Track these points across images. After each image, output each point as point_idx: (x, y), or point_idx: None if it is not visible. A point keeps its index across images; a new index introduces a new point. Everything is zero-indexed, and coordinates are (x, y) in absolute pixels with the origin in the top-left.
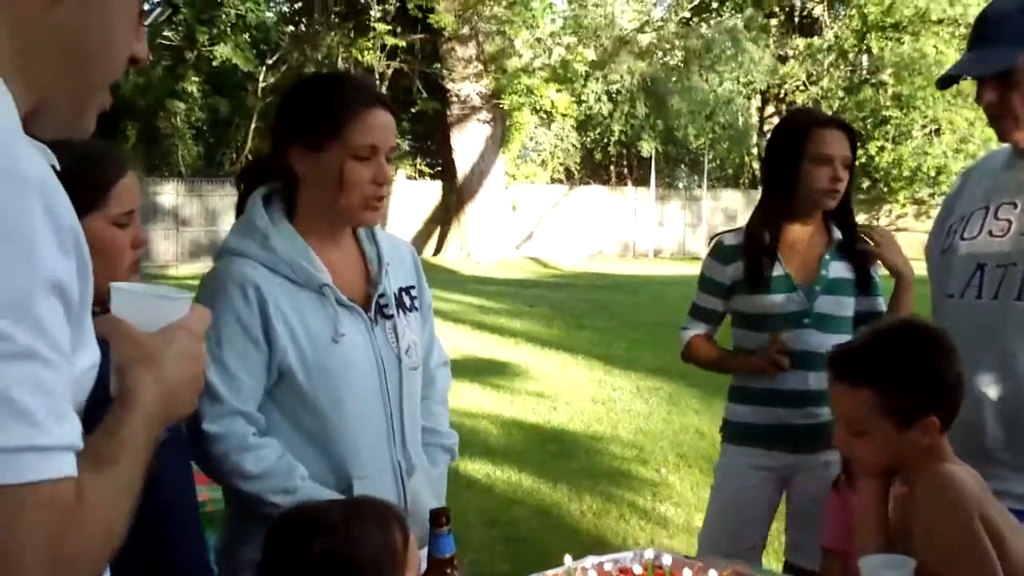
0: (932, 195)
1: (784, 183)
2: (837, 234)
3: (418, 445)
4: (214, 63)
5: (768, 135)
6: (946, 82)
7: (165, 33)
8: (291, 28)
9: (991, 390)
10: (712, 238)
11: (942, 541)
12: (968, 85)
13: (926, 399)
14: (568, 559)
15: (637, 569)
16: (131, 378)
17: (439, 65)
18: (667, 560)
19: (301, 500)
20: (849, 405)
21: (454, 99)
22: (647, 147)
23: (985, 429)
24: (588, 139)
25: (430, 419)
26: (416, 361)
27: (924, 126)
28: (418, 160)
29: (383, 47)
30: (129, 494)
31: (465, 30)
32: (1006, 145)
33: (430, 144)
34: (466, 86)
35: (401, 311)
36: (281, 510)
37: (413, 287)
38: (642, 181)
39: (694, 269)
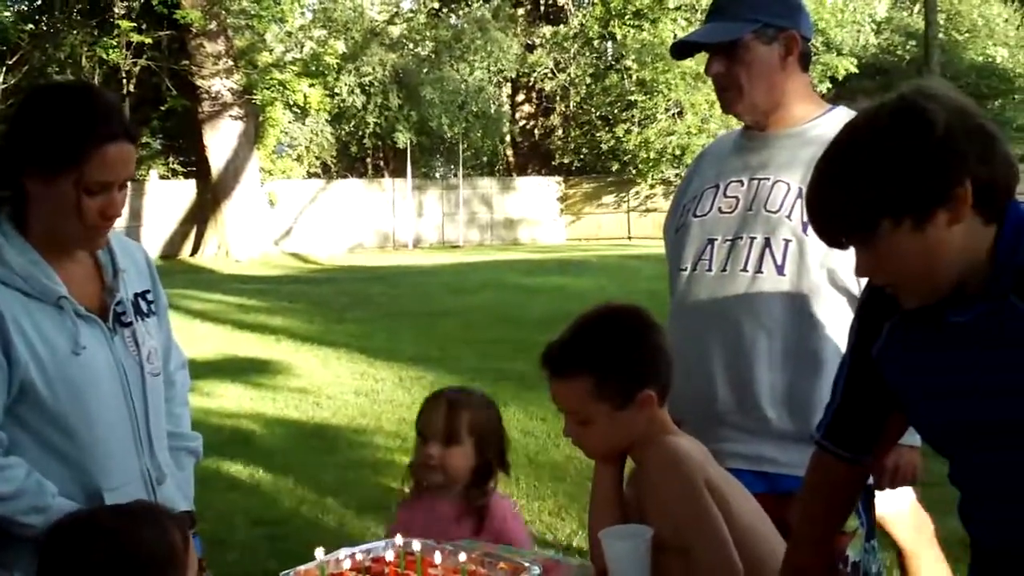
0: (677, 175)
1: None
2: None
3: (166, 451)
4: None
5: (521, 123)
6: (679, 50)
7: None
8: (31, 27)
9: (720, 357)
10: None
11: (671, 510)
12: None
13: (637, 376)
14: (320, 552)
15: (390, 556)
16: None
17: (188, 62)
18: (416, 546)
19: (54, 518)
20: (568, 397)
21: (205, 96)
22: (402, 138)
23: (716, 394)
24: (343, 132)
25: (173, 422)
26: (157, 367)
27: (667, 108)
28: (171, 159)
29: (129, 44)
30: None
31: (213, 25)
32: (737, 128)
33: (182, 142)
34: (216, 82)
35: (139, 317)
36: (35, 531)
37: (148, 291)
38: (399, 172)
39: (454, 258)
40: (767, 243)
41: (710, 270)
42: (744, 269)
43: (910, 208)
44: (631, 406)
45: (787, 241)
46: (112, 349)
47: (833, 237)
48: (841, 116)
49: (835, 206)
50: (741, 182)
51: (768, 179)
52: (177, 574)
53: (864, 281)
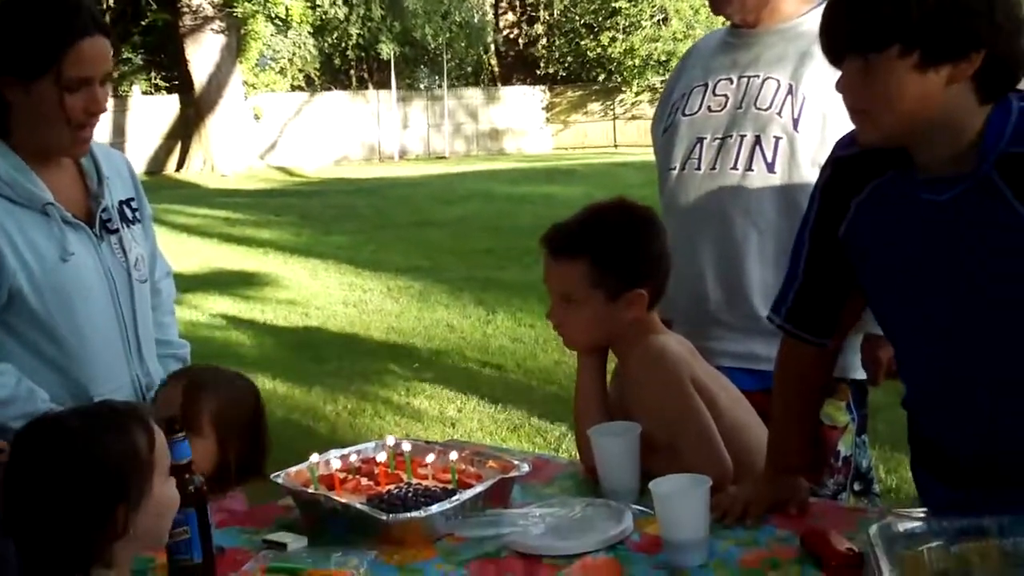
0: (663, 82)
1: None
2: None
3: (155, 359)
4: None
5: (504, 32)
6: None
7: None
8: None
9: (711, 255)
10: None
11: (657, 407)
12: None
13: (636, 272)
14: (314, 455)
15: (381, 457)
16: None
17: None
18: (407, 447)
19: None
20: (565, 278)
21: (186, 9)
22: (386, 49)
23: (707, 293)
24: (326, 44)
25: (160, 331)
26: (144, 274)
27: (652, 15)
28: (152, 74)
29: None
30: None
31: None
32: (723, 27)
33: (164, 57)
34: None
35: (124, 224)
36: None
37: (133, 199)
38: (383, 84)
39: (440, 169)
40: (757, 140)
41: (699, 169)
42: (734, 167)
43: (926, 44)
44: (621, 301)
45: (777, 138)
46: (100, 255)
47: (841, 45)
48: None
49: (861, 13)
50: (730, 80)
51: (758, 76)
52: (140, 477)
53: None
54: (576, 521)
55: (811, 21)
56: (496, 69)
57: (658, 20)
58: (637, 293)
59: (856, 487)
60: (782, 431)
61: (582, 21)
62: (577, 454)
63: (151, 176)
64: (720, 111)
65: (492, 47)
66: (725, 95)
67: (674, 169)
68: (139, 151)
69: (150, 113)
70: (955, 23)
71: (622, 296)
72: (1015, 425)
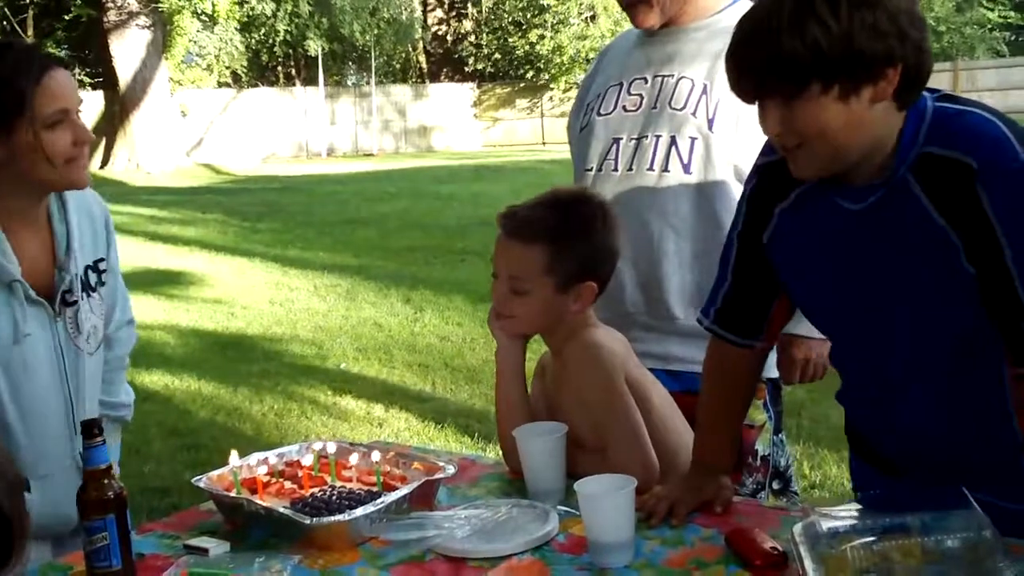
0: None
1: None
2: None
3: None
4: None
5: (433, 29)
6: None
7: None
8: None
9: (629, 257)
10: None
11: (590, 407)
12: None
13: (589, 264)
14: (234, 456)
15: (306, 460)
16: None
17: None
18: (332, 448)
19: None
20: (518, 261)
21: (110, 5)
22: (313, 46)
23: (625, 295)
24: (253, 40)
25: (105, 391)
26: (96, 344)
27: (580, 12)
28: (77, 70)
29: None
30: None
31: None
32: None
33: (88, 53)
34: None
35: (86, 293)
36: None
37: (103, 260)
38: (311, 80)
39: (368, 165)
40: (673, 141)
41: (616, 170)
42: (651, 168)
43: (843, 74)
44: (572, 292)
45: (693, 139)
46: (54, 333)
47: (754, 87)
48: (745, 7)
49: (773, 55)
50: (645, 79)
51: (672, 75)
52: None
53: None
54: (501, 523)
55: (727, 19)
56: (424, 66)
57: (586, 18)
58: (588, 285)
59: (775, 485)
60: (709, 431)
61: (510, 18)
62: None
63: None
64: (635, 111)
65: (420, 44)
66: (640, 94)
67: (590, 170)
68: None
69: None
70: (867, 48)
71: (573, 287)
72: (935, 417)
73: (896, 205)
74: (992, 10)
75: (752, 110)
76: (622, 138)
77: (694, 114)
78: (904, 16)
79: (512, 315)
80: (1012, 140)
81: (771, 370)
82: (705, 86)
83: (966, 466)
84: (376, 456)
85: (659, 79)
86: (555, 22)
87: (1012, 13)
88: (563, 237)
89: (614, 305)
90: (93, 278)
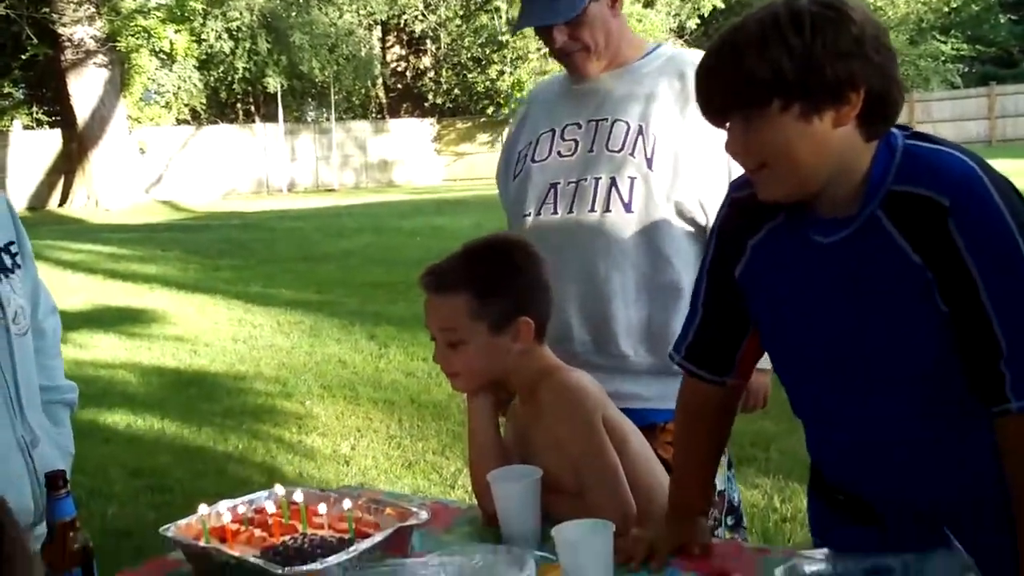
0: None
1: None
2: None
3: (38, 411)
4: None
5: (392, 65)
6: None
7: None
8: None
9: (575, 298)
10: None
11: (569, 445)
12: None
13: (517, 300)
14: (203, 507)
15: (271, 508)
16: None
17: (48, 8)
18: (299, 496)
19: None
20: (445, 314)
21: (67, 43)
22: (272, 83)
23: (573, 335)
24: (212, 78)
25: (45, 375)
26: (24, 326)
27: (539, 48)
28: (34, 108)
29: None
30: None
31: None
32: (557, 73)
33: (46, 91)
34: (79, 29)
35: (3, 274)
36: None
37: (13, 243)
38: (270, 117)
39: (329, 201)
40: (613, 182)
41: (556, 213)
42: (592, 209)
43: (803, 94)
44: (507, 332)
45: (632, 179)
46: None
47: (719, 107)
48: (668, 51)
49: (735, 74)
50: (578, 124)
51: (606, 119)
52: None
53: (710, 200)
54: (478, 569)
55: (650, 64)
56: (384, 101)
57: (544, 53)
58: (522, 321)
59: (729, 521)
60: (685, 472)
61: (469, 54)
62: (475, 498)
63: (33, 212)
64: (571, 155)
65: (380, 80)
66: (575, 139)
67: (528, 215)
68: (20, 187)
69: (32, 148)
70: (827, 68)
71: (506, 327)
72: (911, 458)
73: (868, 240)
74: (945, 43)
75: (688, 147)
76: (559, 182)
77: (632, 155)
78: (870, 41)
79: (456, 372)
80: (984, 179)
81: None
82: (640, 127)
83: (946, 508)
84: (347, 503)
85: (593, 123)
86: (514, 57)
87: (965, 45)
88: (482, 278)
89: (563, 345)
90: (8, 260)
